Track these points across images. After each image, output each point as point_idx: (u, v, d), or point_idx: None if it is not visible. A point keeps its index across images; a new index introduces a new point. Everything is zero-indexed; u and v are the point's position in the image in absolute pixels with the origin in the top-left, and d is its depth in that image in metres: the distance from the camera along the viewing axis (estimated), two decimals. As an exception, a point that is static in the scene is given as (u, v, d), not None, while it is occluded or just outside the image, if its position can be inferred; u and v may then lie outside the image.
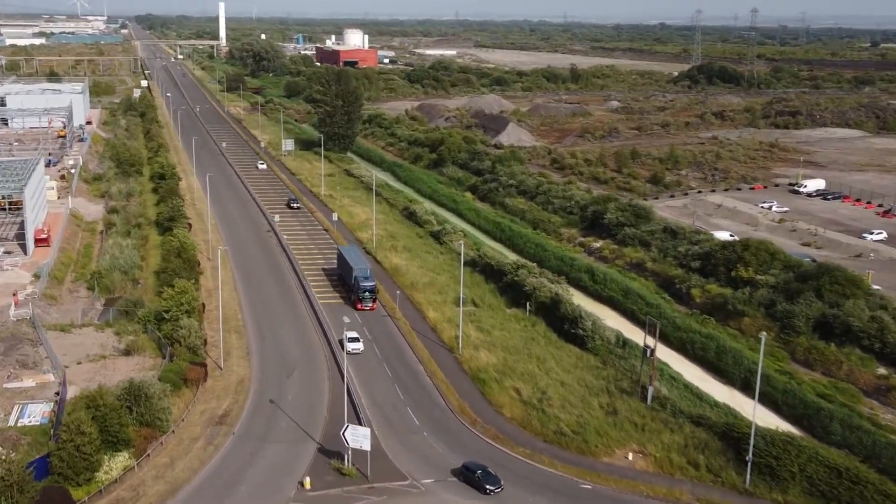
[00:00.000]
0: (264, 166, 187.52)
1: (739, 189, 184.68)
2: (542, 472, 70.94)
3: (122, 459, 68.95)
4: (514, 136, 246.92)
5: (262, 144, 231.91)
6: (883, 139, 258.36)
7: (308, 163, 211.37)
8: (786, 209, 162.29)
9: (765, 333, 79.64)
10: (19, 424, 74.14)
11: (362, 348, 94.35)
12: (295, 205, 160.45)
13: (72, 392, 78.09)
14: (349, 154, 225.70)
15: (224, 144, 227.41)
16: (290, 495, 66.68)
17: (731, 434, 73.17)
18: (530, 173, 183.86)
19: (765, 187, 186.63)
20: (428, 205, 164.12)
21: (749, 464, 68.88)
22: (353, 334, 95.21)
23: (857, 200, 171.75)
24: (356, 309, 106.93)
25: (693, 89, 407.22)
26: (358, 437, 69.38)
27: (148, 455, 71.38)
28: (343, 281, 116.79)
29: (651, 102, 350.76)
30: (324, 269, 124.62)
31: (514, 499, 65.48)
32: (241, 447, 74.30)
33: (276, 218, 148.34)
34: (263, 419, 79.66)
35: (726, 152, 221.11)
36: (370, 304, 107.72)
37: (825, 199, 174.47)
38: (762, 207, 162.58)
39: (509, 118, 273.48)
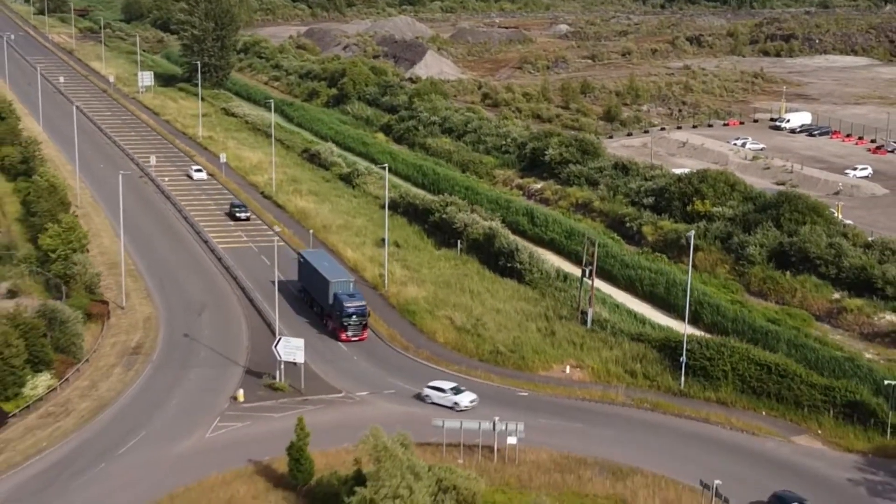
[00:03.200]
0: (203, 174, 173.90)
1: (711, 125, 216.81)
2: (478, 384, 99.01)
3: (44, 379, 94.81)
4: (433, 67, 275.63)
5: (111, 80, 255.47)
6: (893, 68, 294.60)
7: (172, 101, 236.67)
8: (762, 146, 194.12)
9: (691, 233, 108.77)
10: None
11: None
12: (243, 214, 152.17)
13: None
14: (223, 91, 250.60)
15: (62, 79, 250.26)
16: (224, 408, 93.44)
17: (668, 345, 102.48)
18: (456, 108, 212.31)
19: (741, 123, 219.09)
20: (331, 146, 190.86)
21: (683, 366, 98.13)
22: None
23: (848, 136, 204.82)
24: (340, 340, 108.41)
25: (667, 9, 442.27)
26: (290, 349, 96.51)
27: (67, 379, 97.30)
28: (309, 298, 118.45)
29: (610, 26, 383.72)
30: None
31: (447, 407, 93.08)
32: (162, 373, 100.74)
33: (153, 160, 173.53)
34: (181, 350, 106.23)
35: (698, 84, 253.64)
36: (360, 334, 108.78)
37: (810, 135, 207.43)
38: (734, 145, 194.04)
39: (427, 45, 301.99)
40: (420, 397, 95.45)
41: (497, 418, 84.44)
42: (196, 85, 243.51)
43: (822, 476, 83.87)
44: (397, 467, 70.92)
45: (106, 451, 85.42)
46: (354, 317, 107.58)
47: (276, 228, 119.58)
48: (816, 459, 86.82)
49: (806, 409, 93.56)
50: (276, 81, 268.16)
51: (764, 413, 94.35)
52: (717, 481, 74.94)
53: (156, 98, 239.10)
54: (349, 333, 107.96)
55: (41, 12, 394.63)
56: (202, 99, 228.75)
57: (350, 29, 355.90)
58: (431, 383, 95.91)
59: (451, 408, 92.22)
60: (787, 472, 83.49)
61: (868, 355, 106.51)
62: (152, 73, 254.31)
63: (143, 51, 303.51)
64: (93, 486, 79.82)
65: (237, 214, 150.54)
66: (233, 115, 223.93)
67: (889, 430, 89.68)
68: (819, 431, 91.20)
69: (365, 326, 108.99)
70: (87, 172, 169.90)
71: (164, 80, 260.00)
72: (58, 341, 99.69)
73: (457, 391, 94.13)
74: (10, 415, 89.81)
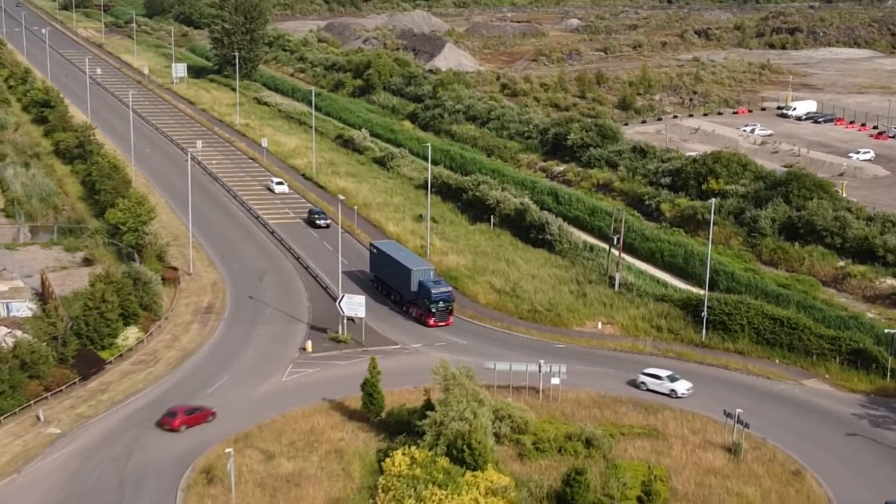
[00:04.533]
0: (284, 187, 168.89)
1: (721, 113, 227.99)
2: (519, 337, 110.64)
3: (133, 332, 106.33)
4: (452, 59, 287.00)
5: (146, 71, 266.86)
6: (894, 59, 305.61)
7: (206, 91, 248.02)
8: (770, 132, 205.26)
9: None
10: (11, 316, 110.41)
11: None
12: (323, 221, 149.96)
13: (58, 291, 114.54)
14: (252, 82, 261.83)
15: (98, 71, 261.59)
16: (295, 357, 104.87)
17: (690, 303, 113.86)
18: (479, 97, 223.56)
19: (750, 111, 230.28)
20: (365, 132, 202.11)
21: (704, 321, 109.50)
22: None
23: (851, 123, 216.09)
24: (428, 326, 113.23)
25: (673, 4, 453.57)
26: (353, 306, 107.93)
27: (151, 333, 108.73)
28: (385, 287, 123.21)
29: (619, 21, 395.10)
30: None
31: (495, 355, 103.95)
32: (235, 328, 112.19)
33: (199, 144, 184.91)
34: (248, 310, 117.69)
35: (708, 74, 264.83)
36: (447, 318, 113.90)
37: (816, 122, 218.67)
38: (743, 131, 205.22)
39: (445, 39, 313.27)
40: (635, 384, 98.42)
41: (542, 361, 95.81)
42: (227, 76, 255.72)
43: (829, 411, 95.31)
44: (464, 394, 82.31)
45: (196, 390, 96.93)
46: (441, 303, 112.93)
47: (341, 197, 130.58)
48: (824, 398, 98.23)
49: (815, 356, 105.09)
50: (301, 73, 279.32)
51: (777, 361, 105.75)
52: (738, 410, 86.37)
53: (189, 89, 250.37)
54: (436, 319, 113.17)
55: (65, 7, 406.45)
56: (231, 89, 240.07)
57: (368, 23, 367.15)
58: (647, 370, 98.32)
59: (667, 395, 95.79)
60: (799, 408, 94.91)
61: (870, 315, 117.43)
62: (185, 64, 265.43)
63: (169, 45, 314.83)
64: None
65: (317, 222, 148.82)
66: (265, 104, 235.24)
67: (889, 374, 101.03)
68: (826, 376, 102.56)
69: (451, 311, 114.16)
70: (137, 156, 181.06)
71: (194, 72, 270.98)
72: (142, 299, 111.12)
73: (672, 378, 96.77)
74: (108, 362, 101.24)
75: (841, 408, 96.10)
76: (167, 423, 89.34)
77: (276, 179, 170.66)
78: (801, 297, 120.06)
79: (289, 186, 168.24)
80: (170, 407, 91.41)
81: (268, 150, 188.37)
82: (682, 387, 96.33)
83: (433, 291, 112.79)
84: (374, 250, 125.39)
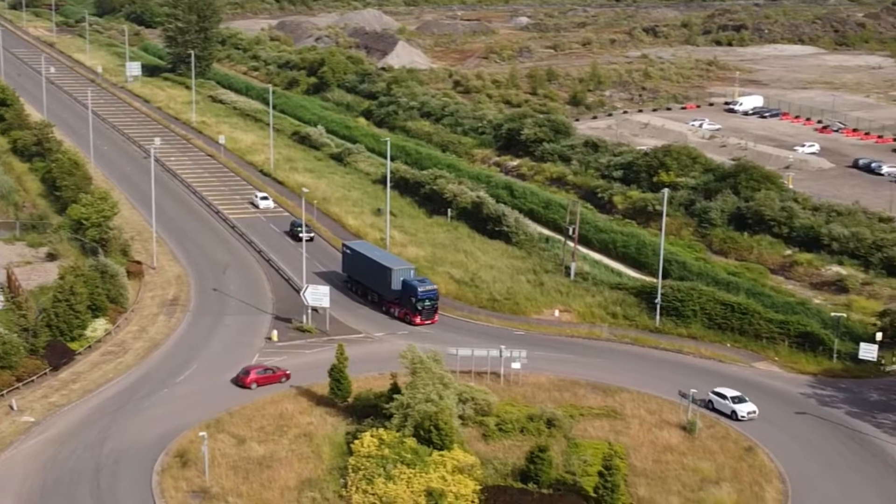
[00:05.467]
0: (270, 202, 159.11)
1: (669, 109, 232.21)
2: (479, 325, 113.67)
3: (101, 323, 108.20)
4: (405, 57, 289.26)
5: (99, 70, 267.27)
6: (838, 56, 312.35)
7: (161, 90, 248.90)
8: (718, 127, 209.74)
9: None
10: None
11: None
12: (306, 235, 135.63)
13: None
14: (206, 80, 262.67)
15: (52, 70, 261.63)
16: (261, 346, 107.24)
17: (644, 291, 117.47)
18: (433, 94, 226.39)
19: (698, 106, 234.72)
20: (321, 129, 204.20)
21: (658, 307, 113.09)
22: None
23: (796, 117, 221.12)
24: (414, 325, 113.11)
25: (621, 2, 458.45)
26: (318, 296, 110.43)
27: (118, 325, 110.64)
28: (360, 287, 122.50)
29: (568, 18, 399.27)
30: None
31: (457, 342, 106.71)
32: (201, 319, 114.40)
33: (158, 142, 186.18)
34: (213, 302, 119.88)
35: (657, 71, 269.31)
36: (432, 317, 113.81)
37: (762, 116, 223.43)
38: (692, 125, 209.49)
39: (397, 37, 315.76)
40: (707, 405, 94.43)
41: (503, 346, 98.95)
42: (181, 75, 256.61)
43: (779, 391, 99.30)
44: (430, 377, 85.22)
45: (166, 379, 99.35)
46: (427, 301, 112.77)
47: (305, 189, 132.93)
48: (774, 379, 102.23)
49: (764, 340, 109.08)
50: (255, 71, 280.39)
51: (728, 345, 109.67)
52: (693, 390, 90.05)
53: (144, 87, 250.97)
54: (423, 317, 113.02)
55: (14, 7, 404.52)
56: (186, 87, 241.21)
57: (320, 22, 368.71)
58: (716, 389, 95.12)
59: (728, 415, 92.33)
60: (750, 388, 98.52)
61: (817, 301, 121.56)
62: (139, 63, 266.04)
63: (122, 43, 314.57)
64: (161, 406, 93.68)
65: (300, 234, 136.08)
66: (220, 102, 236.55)
67: (835, 355, 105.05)
68: (776, 358, 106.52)
69: (436, 310, 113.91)
70: (96, 154, 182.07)
71: (147, 70, 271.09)
72: (109, 292, 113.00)
73: (738, 399, 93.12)
74: (77, 353, 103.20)
75: (790, 388, 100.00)
76: (241, 379, 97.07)
77: (260, 194, 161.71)
78: (751, 285, 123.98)
79: (274, 201, 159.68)
80: (246, 365, 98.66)
81: (225, 147, 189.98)
82: (745, 409, 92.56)
83: (420, 290, 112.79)
84: (348, 251, 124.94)
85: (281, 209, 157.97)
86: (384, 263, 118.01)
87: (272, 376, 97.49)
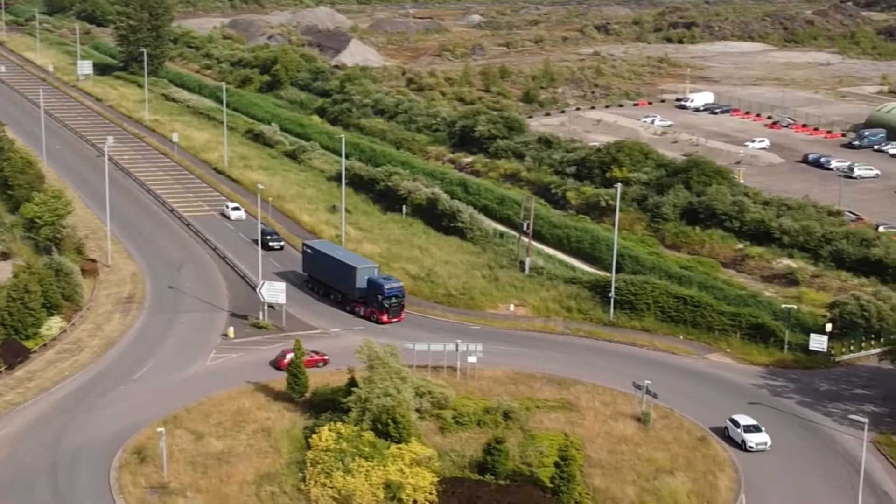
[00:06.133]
0: (241, 213, 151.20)
1: (622, 105, 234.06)
2: (435, 321, 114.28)
3: (56, 321, 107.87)
4: (358, 55, 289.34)
5: (51, 68, 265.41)
6: (787, 52, 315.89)
7: (113, 88, 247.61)
8: (669, 123, 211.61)
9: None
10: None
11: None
12: (276, 244, 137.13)
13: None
14: (159, 79, 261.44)
15: (2, 69, 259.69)
16: (218, 342, 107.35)
17: (598, 285, 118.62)
18: (387, 92, 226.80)
19: (650, 103, 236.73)
20: (275, 126, 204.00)
21: (612, 301, 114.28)
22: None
23: (747, 113, 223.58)
24: (381, 323, 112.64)
25: (573, 0, 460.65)
26: (274, 292, 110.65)
27: (73, 323, 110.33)
28: (322, 287, 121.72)
29: (521, 16, 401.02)
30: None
31: (413, 337, 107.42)
32: (157, 317, 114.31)
33: (111, 140, 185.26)
34: (168, 299, 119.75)
35: (609, 68, 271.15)
36: (399, 314, 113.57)
37: (713, 113, 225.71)
38: (644, 122, 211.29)
39: (350, 35, 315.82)
40: (724, 433, 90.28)
41: (459, 341, 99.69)
42: (133, 73, 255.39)
43: (732, 382, 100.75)
44: (387, 371, 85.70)
45: (122, 376, 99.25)
46: (394, 298, 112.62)
47: (261, 185, 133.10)
48: (726, 371, 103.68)
49: (717, 332, 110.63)
50: (207, 70, 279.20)
51: (682, 337, 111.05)
52: (647, 381, 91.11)
53: (96, 86, 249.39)
54: (390, 315, 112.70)
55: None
56: (139, 86, 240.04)
57: (272, 20, 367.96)
58: (733, 416, 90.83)
59: (738, 444, 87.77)
60: (703, 380, 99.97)
61: (767, 293, 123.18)
62: (91, 62, 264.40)
63: (73, 42, 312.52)
64: (117, 403, 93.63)
65: (270, 244, 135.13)
66: (173, 100, 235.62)
67: (786, 346, 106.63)
68: (728, 350, 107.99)
69: (402, 307, 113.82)
70: (48, 153, 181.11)
71: (99, 69, 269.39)
72: (63, 290, 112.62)
73: (751, 429, 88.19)
74: (32, 351, 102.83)
75: (742, 379, 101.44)
76: (278, 362, 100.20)
77: (231, 204, 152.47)
78: (703, 278, 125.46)
79: (245, 212, 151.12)
80: (284, 348, 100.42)
81: (179, 146, 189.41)
82: (756, 440, 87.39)
83: (386, 287, 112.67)
84: (309, 250, 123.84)
85: (254, 219, 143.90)
86: (348, 262, 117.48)
87: (308, 360, 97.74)
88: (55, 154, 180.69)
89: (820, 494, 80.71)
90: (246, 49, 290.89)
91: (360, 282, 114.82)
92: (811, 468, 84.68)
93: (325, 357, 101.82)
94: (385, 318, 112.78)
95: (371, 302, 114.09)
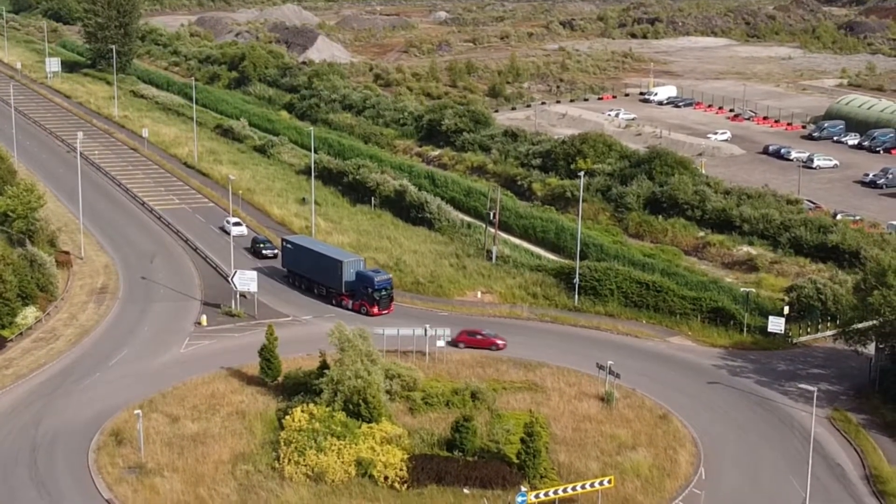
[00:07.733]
0: (243, 228, 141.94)
1: (587, 100, 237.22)
2: (405, 308, 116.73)
3: (32, 311, 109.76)
4: (325, 51, 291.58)
5: (18, 66, 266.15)
6: (749, 47, 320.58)
7: (81, 85, 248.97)
8: (633, 116, 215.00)
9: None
10: None
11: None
12: (269, 251, 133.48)
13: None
14: (127, 76, 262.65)
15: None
16: (191, 331, 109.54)
17: (563, 272, 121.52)
18: (354, 87, 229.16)
19: (614, 97, 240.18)
20: (244, 121, 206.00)
21: (577, 287, 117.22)
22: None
23: (709, 106, 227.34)
24: (371, 315, 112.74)
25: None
26: (245, 281, 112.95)
27: (48, 313, 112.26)
28: (304, 281, 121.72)
29: (486, 13, 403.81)
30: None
31: (382, 323, 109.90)
32: (131, 306, 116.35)
33: (81, 136, 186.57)
34: (142, 289, 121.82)
35: (574, 63, 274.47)
36: (388, 306, 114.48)
37: (676, 106, 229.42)
38: (608, 115, 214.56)
39: (318, 31, 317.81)
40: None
41: (428, 325, 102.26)
42: (101, 70, 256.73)
43: (692, 364, 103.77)
44: (358, 354, 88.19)
45: (98, 363, 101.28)
46: (384, 290, 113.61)
47: (232, 177, 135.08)
48: (687, 353, 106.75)
49: (678, 316, 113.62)
50: (175, 66, 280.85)
51: (644, 321, 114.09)
52: (609, 362, 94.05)
53: (64, 83, 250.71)
54: (380, 307, 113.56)
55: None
56: (107, 83, 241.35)
57: (239, 17, 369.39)
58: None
59: None
60: (664, 362, 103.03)
61: (728, 280, 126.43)
62: (59, 59, 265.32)
63: (40, 40, 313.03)
64: (94, 389, 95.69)
65: (263, 252, 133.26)
66: (141, 96, 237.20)
67: (745, 329, 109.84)
68: (689, 333, 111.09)
69: (392, 298, 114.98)
70: (19, 149, 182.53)
71: (67, 66, 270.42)
72: (38, 281, 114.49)
73: None
74: (8, 340, 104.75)
75: (702, 360, 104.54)
76: (458, 338, 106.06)
77: (232, 219, 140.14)
78: (666, 265, 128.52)
79: (247, 227, 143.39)
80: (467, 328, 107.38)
81: (148, 141, 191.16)
82: None
83: (376, 280, 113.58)
84: (289, 245, 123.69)
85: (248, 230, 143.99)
86: (334, 257, 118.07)
87: (481, 340, 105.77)
88: (26, 150, 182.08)
89: (776, 466, 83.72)
90: (214, 46, 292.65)
91: (348, 275, 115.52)
92: (768, 443, 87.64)
93: (497, 343, 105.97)
94: (376, 310, 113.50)
95: (360, 295, 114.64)
